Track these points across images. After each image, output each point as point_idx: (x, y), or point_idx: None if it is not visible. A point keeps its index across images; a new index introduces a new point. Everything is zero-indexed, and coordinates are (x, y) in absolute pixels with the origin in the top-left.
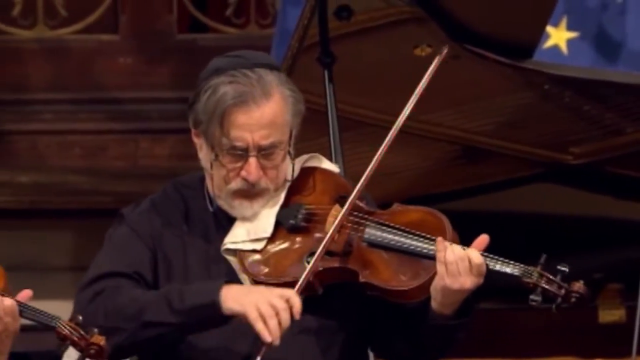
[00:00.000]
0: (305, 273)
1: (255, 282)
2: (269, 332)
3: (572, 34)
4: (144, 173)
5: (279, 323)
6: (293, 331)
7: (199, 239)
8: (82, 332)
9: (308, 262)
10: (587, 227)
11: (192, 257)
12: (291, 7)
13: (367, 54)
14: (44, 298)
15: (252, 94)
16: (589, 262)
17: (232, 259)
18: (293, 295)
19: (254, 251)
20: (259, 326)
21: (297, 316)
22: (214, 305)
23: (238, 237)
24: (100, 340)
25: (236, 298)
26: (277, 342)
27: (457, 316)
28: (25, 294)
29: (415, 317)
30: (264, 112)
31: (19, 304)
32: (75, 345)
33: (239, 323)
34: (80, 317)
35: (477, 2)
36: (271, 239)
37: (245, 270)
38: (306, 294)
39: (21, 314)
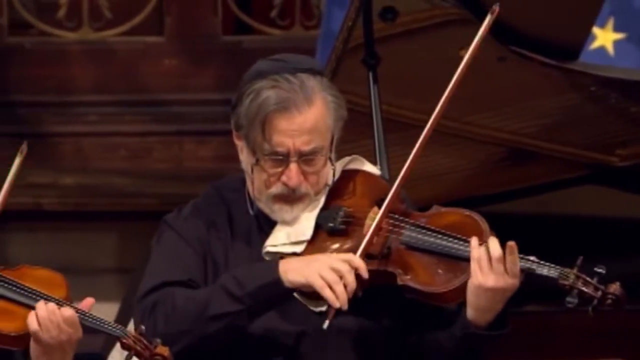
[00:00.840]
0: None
1: None
2: (337, 298)
3: (618, 35)
4: (188, 175)
5: (345, 287)
6: (332, 332)
7: (241, 242)
8: (146, 342)
9: None
10: (634, 229)
11: (235, 260)
12: (336, 9)
13: (412, 56)
14: None
15: (294, 99)
16: (636, 265)
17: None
18: (354, 258)
19: (294, 254)
20: (327, 293)
21: (364, 275)
22: (277, 283)
23: (278, 240)
24: (164, 351)
25: (297, 270)
26: (345, 306)
27: (490, 329)
28: (87, 302)
29: (450, 324)
30: (306, 118)
31: (83, 313)
32: (139, 355)
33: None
34: (144, 327)
35: (522, 3)
36: (311, 242)
37: None
38: None
39: (86, 323)
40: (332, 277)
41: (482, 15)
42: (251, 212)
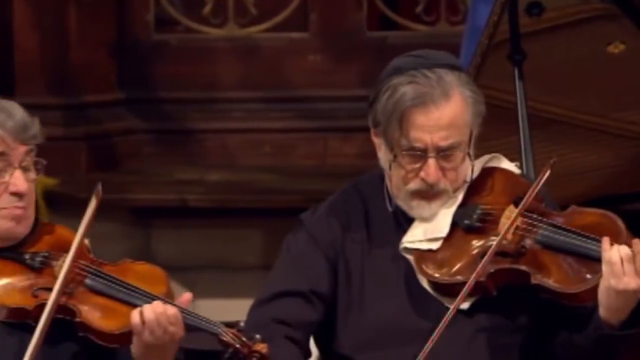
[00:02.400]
0: (473, 275)
1: (431, 282)
2: None
3: None
4: (333, 172)
5: None
6: (468, 332)
7: (379, 239)
8: (244, 340)
9: None
10: None
11: (371, 257)
12: (482, 4)
13: (559, 51)
14: (234, 297)
15: (431, 95)
16: None
17: (410, 258)
18: None
19: (430, 251)
20: None
21: None
22: None
23: (415, 236)
24: (263, 348)
25: None
26: None
27: (624, 327)
28: (185, 298)
29: (585, 324)
30: (443, 113)
31: (182, 310)
32: (237, 353)
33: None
34: (242, 324)
35: None
36: (447, 239)
37: (422, 270)
38: (479, 294)
39: (184, 320)
40: None
41: (630, 9)
42: (389, 208)
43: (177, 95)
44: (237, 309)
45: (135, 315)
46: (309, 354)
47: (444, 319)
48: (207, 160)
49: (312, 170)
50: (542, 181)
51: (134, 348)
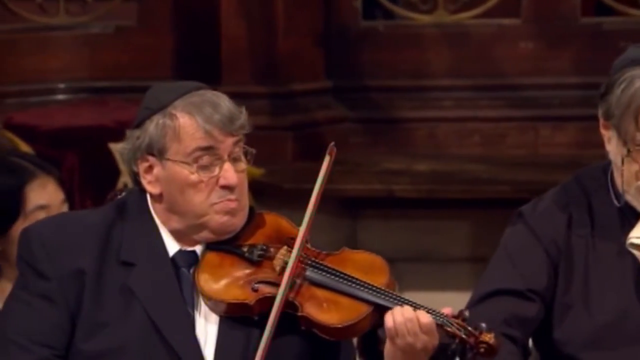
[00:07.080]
0: None
1: None
2: None
3: None
4: (544, 162)
5: None
6: None
7: (603, 234)
8: (470, 329)
9: None
10: None
11: (596, 252)
12: None
13: None
14: (442, 289)
15: None
16: None
17: (637, 254)
18: None
19: None
20: None
21: None
22: None
23: None
24: (490, 338)
25: None
26: None
27: None
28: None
29: None
30: None
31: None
32: (464, 343)
33: None
34: (467, 313)
35: None
36: None
37: None
38: None
39: None
40: None
41: None
42: (617, 203)
43: (384, 83)
44: (444, 302)
45: (389, 319)
46: (528, 352)
47: None
48: (415, 150)
49: (523, 160)
50: None
51: (387, 352)
